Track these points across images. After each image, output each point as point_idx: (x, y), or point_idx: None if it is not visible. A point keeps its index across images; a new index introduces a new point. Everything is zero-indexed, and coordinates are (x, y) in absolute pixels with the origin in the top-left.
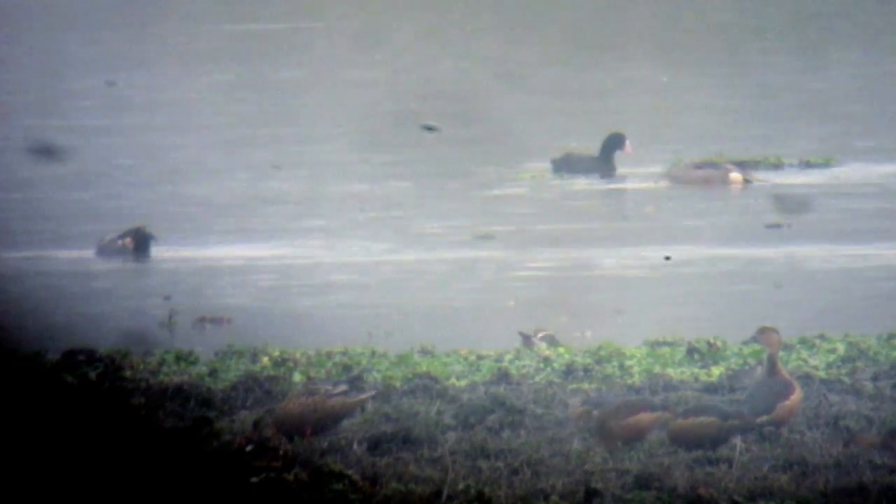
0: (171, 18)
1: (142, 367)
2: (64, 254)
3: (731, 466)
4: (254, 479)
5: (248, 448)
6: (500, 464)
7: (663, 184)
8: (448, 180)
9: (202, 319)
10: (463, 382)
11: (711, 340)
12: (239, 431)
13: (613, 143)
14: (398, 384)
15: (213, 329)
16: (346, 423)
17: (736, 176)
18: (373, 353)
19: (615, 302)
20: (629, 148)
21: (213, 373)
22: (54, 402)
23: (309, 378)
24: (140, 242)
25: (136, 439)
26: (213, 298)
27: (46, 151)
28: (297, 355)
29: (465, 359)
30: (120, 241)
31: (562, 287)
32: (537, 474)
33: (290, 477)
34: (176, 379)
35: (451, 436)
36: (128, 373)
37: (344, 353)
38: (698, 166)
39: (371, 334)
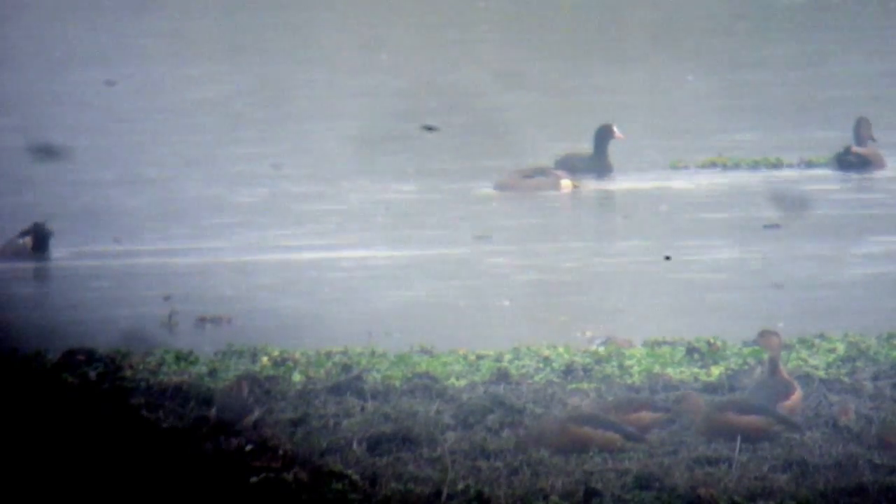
0: (169, 13)
1: (142, 366)
2: None
3: (730, 466)
4: (253, 479)
5: (248, 448)
6: (500, 464)
7: (494, 193)
8: (447, 181)
9: (202, 319)
10: (462, 382)
11: (711, 340)
12: (238, 431)
13: (603, 136)
14: (398, 384)
15: (213, 329)
16: (345, 422)
17: (566, 182)
18: (372, 353)
19: (614, 301)
20: (618, 133)
21: (212, 372)
22: (52, 402)
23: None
24: (39, 240)
25: (134, 439)
26: (212, 298)
27: (46, 151)
28: (297, 355)
29: (465, 358)
30: (21, 241)
31: (560, 286)
32: (537, 474)
33: (290, 477)
34: (176, 379)
35: (451, 435)
36: (128, 373)
37: (344, 353)
38: (527, 175)
39: (371, 334)
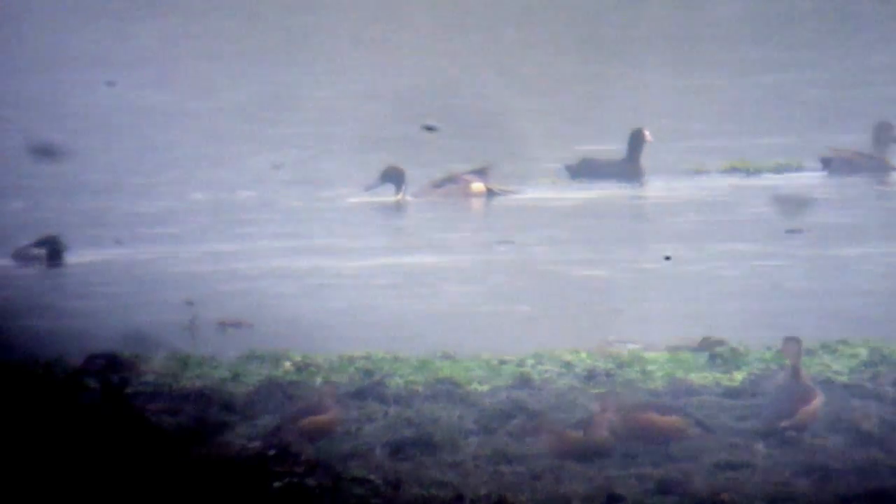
0: (169, 14)
1: (164, 371)
2: None
3: (752, 472)
4: (276, 485)
5: (270, 452)
6: (522, 469)
7: (410, 200)
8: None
9: (223, 324)
10: (484, 387)
11: (733, 345)
12: (260, 436)
13: (638, 140)
14: (420, 389)
15: (235, 333)
16: (367, 427)
17: (478, 186)
18: (395, 358)
19: (636, 306)
20: (649, 136)
21: (234, 377)
22: (73, 406)
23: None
24: (53, 253)
25: (155, 444)
26: (233, 303)
27: (46, 151)
28: (319, 360)
29: (487, 363)
30: (35, 250)
31: (582, 291)
32: (559, 479)
33: (313, 482)
34: (198, 383)
35: (473, 441)
36: (150, 377)
37: (366, 358)
38: (437, 184)
39: (393, 339)
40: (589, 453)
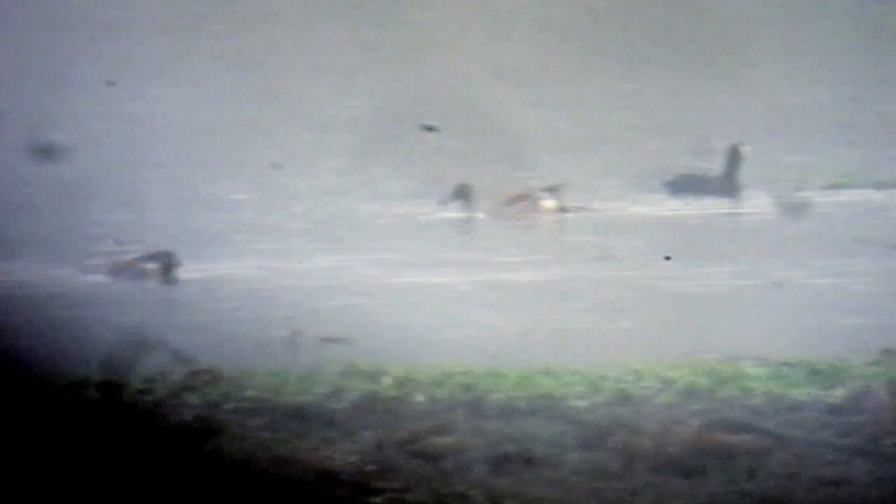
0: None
1: (264, 387)
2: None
3: (853, 489)
4: (375, 500)
5: (369, 468)
6: (622, 485)
7: (479, 218)
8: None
9: (323, 339)
10: (584, 403)
11: (834, 361)
12: (360, 452)
13: (735, 156)
14: (520, 404)
15: (335, 349)
16: (465, 443)
17: (549, 204)
18: (495, 374)
19: (736, 321)
20: (746, 152)
21: (334, 393)
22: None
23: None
24: (167, 269)
25: (250, 460)
26: (333, 318)
27: (46, 151)
28: (419, 375)
29: (587, 379)
30: (146, 265)
31: (679, 307)
32: (659, 496)
33: (412, 498)
34: (298, 399)
35: (573, 457)
36: (250, 393)
37: (465, 374)
38: (507, 202)
39: (493, 355)
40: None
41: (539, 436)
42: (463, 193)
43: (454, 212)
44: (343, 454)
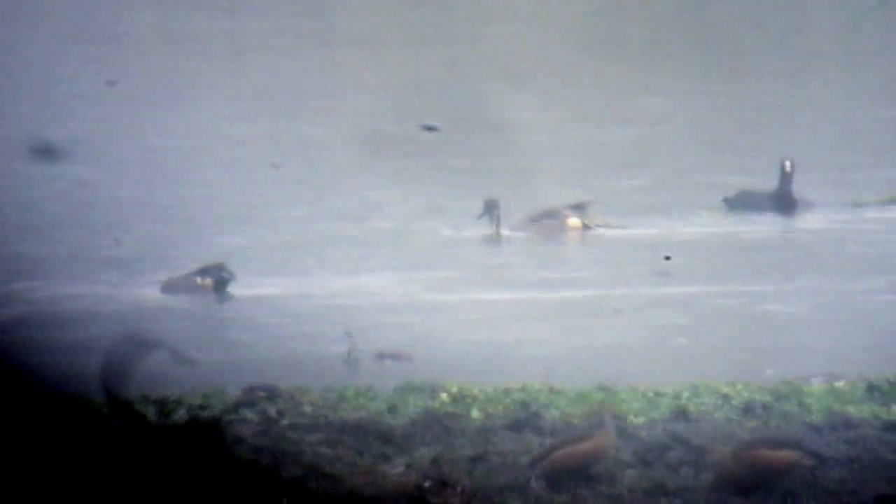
0: (168, 9)
1: (321, 403)
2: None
3: None
4: None
5: (426, 484)
6: (679, 501)
7: (506, 234)
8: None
9: (381, 355)
10: (641, 419)
11: (892, 378)
12: (417, 468)
13: (788, 171)
14: (577, 421)
15: (392, 365)
16: (524, 459)
17: (575, 222)
18: (551, 390)
19: (792, 339)
20: (788, 166)
21: (391, 409)
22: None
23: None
24: (220, 283)
25: (307, 476)
26: (390, 334)
27: (46, 151)
28: (476, 392)
29: (643, 396)
30: (199, 279)
31: (737, 324)
32: None
33: None
34: (355, 415)
35: (630, 473)
36: (307, 409)
37: (522, 390)
38: (534, 218)
39: (549, 371)
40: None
41: None
42: (491, 209)
43: (483, 228)
44: (400, 470)
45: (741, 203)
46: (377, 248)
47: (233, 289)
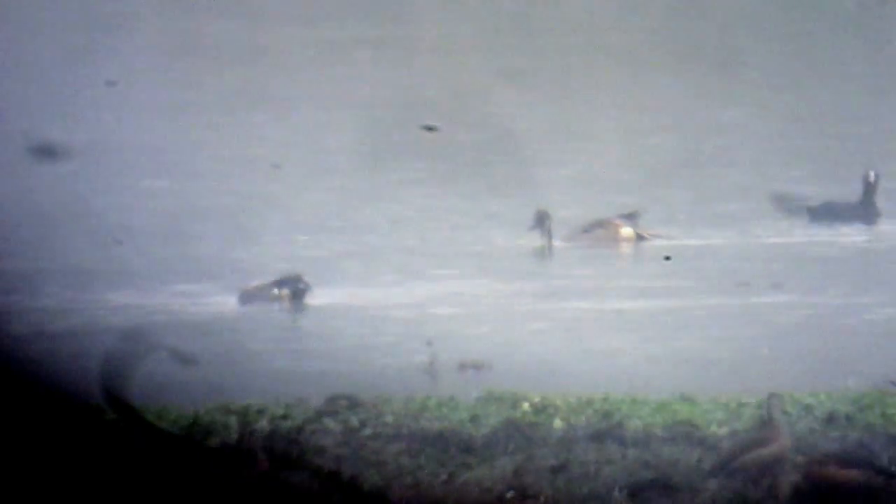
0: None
1: (403, 412)
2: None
3: None
4: None
5: (509, 495)
6: None
7: (558, 245)
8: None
9: (462, 365)
10: (723, 430)
11: None
12: (499, 478)
13: (871, 182)
14: (658, 431)
15: (474, 375)
16: (605, 470)
17: (627, 231)
18: (633, 400)
19: (866, 347)
20: (872, 176)
21: (473, 419)
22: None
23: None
24: (297, 295)
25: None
26: (471, 344)
27: (47, 152)
28: (558, 402)
29: (726, 406)
30: (276, 290)
31: (818, 333)
32: None
33: None
34: (437, 425)
35: (712, 484)
36: (389, 419)
37: (604, 400)
38: (586, 229)
39: (630, 381)
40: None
41: (678, 462)
42: (540, 220)
43: (533, 239)
44: (482, 480)
45: (824, 213)
46: (439, 256)
47: (307, 298)
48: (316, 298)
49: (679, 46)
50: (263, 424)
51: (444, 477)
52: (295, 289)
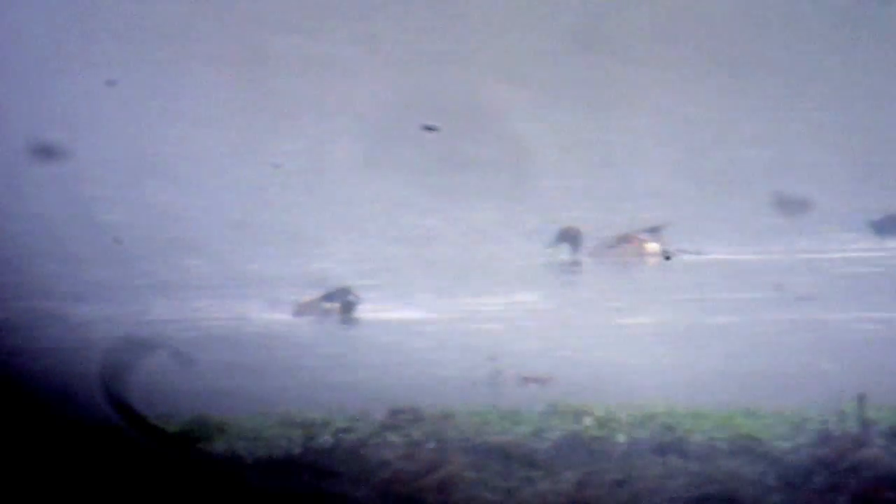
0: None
1: (466, 426)
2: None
3: None
4: None
5: None
6: None
7: (584, 260)
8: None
9: (525, 378)
10: (787, 444)
11: None
12: (562, 492)
13: None
14: (721, 445)
15: (537, 388)
16: (668, 484)
17: (652, 246)
18: (696, 414)
19: None
20: None
21: (536, 432)
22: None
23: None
24: (347, 307)
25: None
26: (535, 358)
27: (46, 152)
28: (621, 415)
29: (789, 420)
30: (327, 304)
31: (880, 349)
32: None
33: None
34: (500, 439)
35: (776, 498)
36: (452, 433)
37: (667, 414)
38: (611, 244)
39: (692, 396)
40: None
41: (741, 476)
42: (568, 236)
43: (557, 254)
44: (545, 494)
45: (888, 227)
46: (483, 270)
47: (357, 311)
48: (371, 312)
49: (723, 55)
50: (326, 438)
51: (507, 491)
52: (345, 301)
